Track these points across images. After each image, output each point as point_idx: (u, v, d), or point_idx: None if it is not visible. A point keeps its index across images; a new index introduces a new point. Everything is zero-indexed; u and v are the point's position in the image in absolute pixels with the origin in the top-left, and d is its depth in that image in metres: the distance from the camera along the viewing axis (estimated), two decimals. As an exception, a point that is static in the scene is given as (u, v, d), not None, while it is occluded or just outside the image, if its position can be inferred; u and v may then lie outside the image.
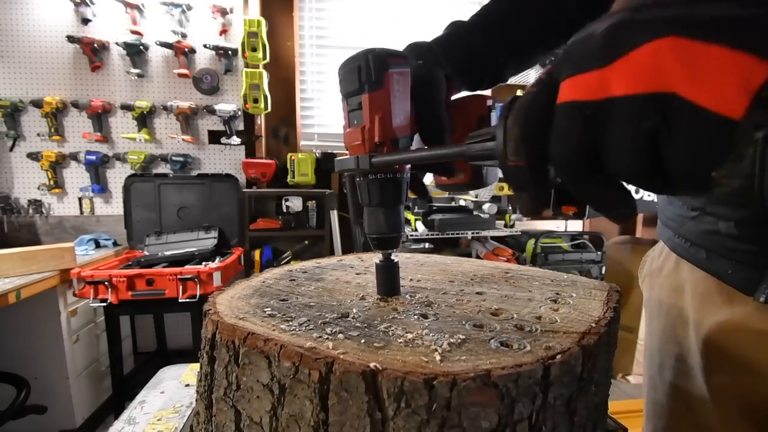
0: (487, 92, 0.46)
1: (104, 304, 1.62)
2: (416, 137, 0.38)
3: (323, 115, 2.48)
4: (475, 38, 0.43)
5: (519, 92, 2.36)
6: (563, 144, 0.20)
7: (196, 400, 0.37)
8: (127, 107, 2.20)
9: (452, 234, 2.06)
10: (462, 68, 0.43)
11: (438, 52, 0.42)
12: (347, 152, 0.37)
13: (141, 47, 2.16)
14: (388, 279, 0.39)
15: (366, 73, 0.34)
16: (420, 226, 2.10)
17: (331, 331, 0.30)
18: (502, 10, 0.45)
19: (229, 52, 2.22)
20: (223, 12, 2.20)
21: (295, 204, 2.33)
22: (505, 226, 2.16)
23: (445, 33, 0.44)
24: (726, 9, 0.15)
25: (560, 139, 0.20)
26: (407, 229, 2.08)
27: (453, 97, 0.44)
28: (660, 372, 0.45)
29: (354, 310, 0.35)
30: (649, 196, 1.92)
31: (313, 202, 2.35)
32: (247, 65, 2.22)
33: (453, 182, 0.43)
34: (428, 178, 0.48)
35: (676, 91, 0.16)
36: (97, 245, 2.16)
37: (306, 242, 2.40)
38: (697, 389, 0.40)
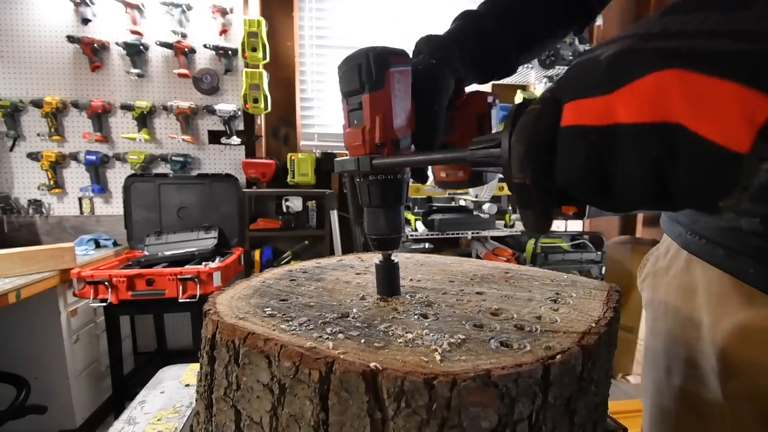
0: (488, 88, 0.46)
1: (104, 304, 1.62)
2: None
3: (323, 115, 2.48)
4: (486, 25, 0.43)
5: (519, 93, 2.36)
6: (570, 167, 0.20)
7: (196, 400, 0.37)
8: (127, 107, 2.20)
9: (452, 234, 2.06)
10: (474, 60, 0.42)
11: (452, 46, 0.41)
12: (347, 152, 0.37)
13: (141, 47, 2.16)
14: (388, 279, 0.39)
15: (367, 73, 0.33)
16: (420, 226, 2.10)
17: (331, 331, 0.30)
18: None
19: (229, 52, 2.22)
20: (223, 12, 2.20)
21: (295, 204, 2.33)
22: (505, 226, 2.16)
23: (456, 24, 0.44)
24: (730, 44, 0.16)
25: (566, 162, 0.21)
26: (407, 229, 2.08)
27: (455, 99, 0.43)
28: (667, 376, 0.43)
29: (354, 310, 0.35)
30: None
31: (313, 202, 2.35)
32: (247, 65, 2.22)
33: (452, 180, 0.43)
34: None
35: (682, 122, 0.16)
36: (97, 245, 2.16)
37: (306, 242, 2.40)
38: (710, 394, 0.38)
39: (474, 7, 0.45)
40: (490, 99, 0.43)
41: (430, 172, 0.48)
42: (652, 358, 0.47)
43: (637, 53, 0.18)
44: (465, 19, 0.44)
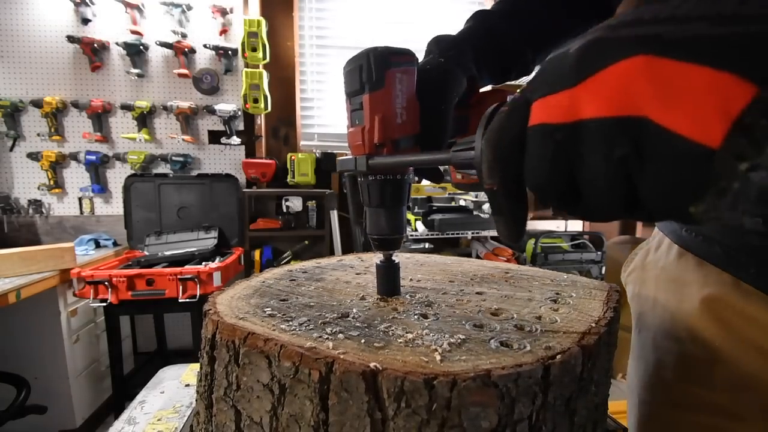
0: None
1: (104, 304, 1.62)
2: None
3: (323, 115, 2.48)
4: (500, 27, 0.42)
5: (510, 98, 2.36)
6: (536, 169, 0.19)
7: (196, 400, 0.37)
8: (127, 107, 2.20)
9: (452, 234, 2.06)
10: (487, 60, 0.42)
11: (464, 46, 0.41)
12: (349, 152, 0.37)
13: (141, 47, 2.16)
14: (389, 279, 0.39)
15: (367, 73, 0.33)
16: (420, 226, 2.10)
17: (331, 331, 0.30)
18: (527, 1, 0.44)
19: (229, 52, 2.22)
20: (223, 12, 2.21)
21: (295, 204, 2.33)
22: (505, 226, 2.16)
23: (468, 25, 0.43)
24: (705, 28, 0.14)
25: (533, 165, 0.19)
26: (407, 229, 2.08)
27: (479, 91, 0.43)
28: (657, 371, 0.43)
29: (354, 310, 0.35)
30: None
31: (313, 202, 2.35)
32: (247, 65, 2.22)
33: (468, 182, 0.43)
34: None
35: (648, 114, 0.15)
36: (97, 245, 2.16)
37: (306, 242, 2.40)
38: (704, 388, 0.37)
39: (477, 7, 0.45)
40: (509, 98, 0.42)
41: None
42: (639, 354, 0.46)
43: (604, 42, 0.17)
44: (476, 18, 0.43)
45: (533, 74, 0.21)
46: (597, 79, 0.16)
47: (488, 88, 0.44)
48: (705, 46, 0.14)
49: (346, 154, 0.37)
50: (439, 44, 0.40)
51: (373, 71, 0.33)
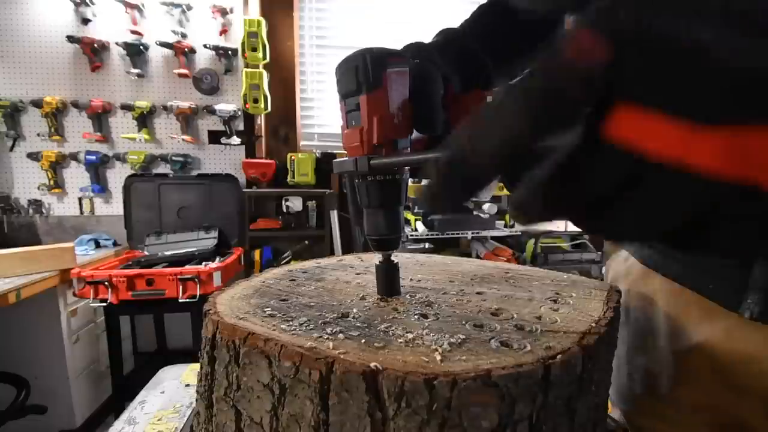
0: None
1: (104, 304, 1.62)
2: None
3: (323, 115, 2.48)
4: (467, 41, 0.44)
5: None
6: (656, 217, 0.17)
7: (197, 400, 0.37)
8: (127, 107, 2.20)
9: (452, 234, 2.06)
10: (455, 68, 0.43)
11: (432, 50, 0.42)
12: (346, 153, 0.37)
13: (141, 47, 2.16)
14: (389, 280, 0.39)
15: (364, 74, 0.33)
16: (420, 226, 2.10)
17: (332, 331, 0.30)
18: (487, 23, 0.47)
19: (229, 52, 2.22)
20: (223, 12, 2.21)
21: (295, 204, 2.33)
22: (505, 226, 2.16)
23: (436, 38, 0.45)
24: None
25: (592, 181, 0.17)
26: (407, 229, 2.08)
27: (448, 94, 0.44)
28: (630, 384, 0.44)
29: (354, 310, 0.35)
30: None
31: (313, 202, 2.35)
32: (247, 65, 2.23)
33: None
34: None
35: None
36: (97, 245, 2.16)
37: (306, 242, 2.40)
38: (666, 402, 0.39)
39: (472, 7, 0.46)
40: (489, 98, 0.43)
41: None
42: (616, 366, 0.47)
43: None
44: (441, 34, 0.46)
45: (616, 30, 0.14)
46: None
47: None
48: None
49: (345, 155, 0.37)
50: (411, 48, 0.42)
51: (370, 72, 0.33)
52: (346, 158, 0.36)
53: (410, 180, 0.40)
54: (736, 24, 0.12)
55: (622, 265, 0.47)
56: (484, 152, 0.15)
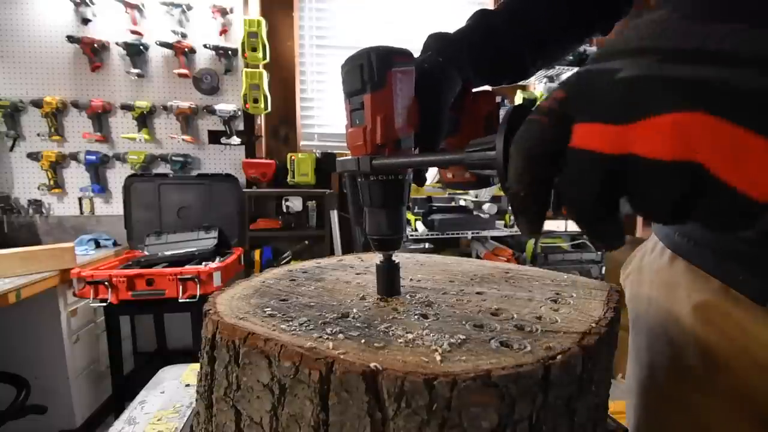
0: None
1: (104, 304, 1.62)
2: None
3: (323, 115, 2.48)
4: (498, 25, 0.42)
5: (519, 93, 2.36)
6: (580, 190, 0.20)
7: (196, 400, 0.37)
8: (127, 107, 2.20)
9: (452, 234, 2.06)
10: (484, 62, 0.41)
11: (462, 46, 0.40)
12: (349, 152, 0.37)
13: (141, 47, 2.16)
14: (389, 280, 0.39)
15: (368, 73, 0.33)
16: (420, 226, 2.10)
17: (332, 331, 0.30)
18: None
19: (229, 52, 2.22)
20: (223, 12, 2.21)
21: (295, 204, 2.33)
22: (505, 226, 2.16)
23: (469, 23, 0.43)
24: (756, 77, 0.14)
25: (577, 184, 0.20)
26: (407, 229, 2.08)
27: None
28: (651, 373, 0.42)
29: (354, 310, 0.35)
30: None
31: (313, 202, 2.35)
32: (247, 65, 2.22)
33: (459, 181, 0.43)
34: (432, 176, 0.48)
35: (704, 164, 0.16)
36: (97, 245, 2.16)
37: (306, 242, 2.40)
38: (696, 391, 0.37)
39: (477, 6, 0.45)
40: (498, 99, 0.42)
41: (436, 173, 0.48)
42: (635, 356, 0.46)
43: (657, 83, 0.17)
44: (476, 18, 0.43)
45: (568, 83, 0.21)
46: (651, 123, 0.17)
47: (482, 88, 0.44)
48: (763, 112, 0.14)
49: (346, 155, 0.37)
50: (438, 42, 0.40)
51: (374, 71, 0.33)
52: (349, 157, 0.36)
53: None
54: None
55: (649, 256, 0.46)
56: (516, 191, 0.22)
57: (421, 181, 0.40)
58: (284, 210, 2.34)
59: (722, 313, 0.35)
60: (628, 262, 0.52)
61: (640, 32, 0.19)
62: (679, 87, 0.16)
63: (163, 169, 2.28)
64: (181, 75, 2.20)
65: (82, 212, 2.27)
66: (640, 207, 0.19)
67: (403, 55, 0.34)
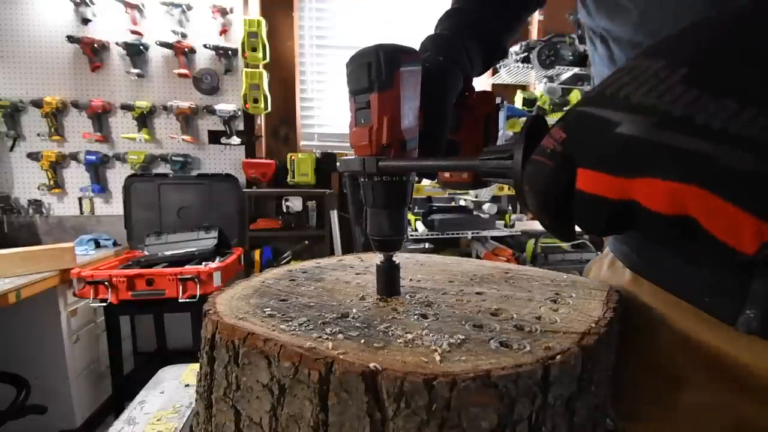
0: (489, 88, 0.47)
1: (104, 304, 1.62)
2: None
3: (323, 115, 2.48)
4: (474, 15, 0.45)
5: (519, 93, 2.36)
6: (592, 223, 0.22)
7: (196, 400, 0.37)
8: (127, 107, 2.20)
9: (452, 234, 2.06)
10: (474, 55, 0.43)
11: (456, 42, 0.41)
12: (351, 151, 0.37)
13: (141, 47, 2.16)
14: (389, 280, 0.39)
15: (376, 71, 0.32)
16: (420, 226, 2.10)
17: (331, 331, 0.30)
18: None
19: (229, 52, 2.22)
20: (223, 12, 2.21)
21: (295, 204, 2.33)
22: (505, 226, 2.16)
23: (447, 23, 0.45)
24: (752, 163, 0.16)
25: (589, 219, 0.22)
26: (407, 229, 2.08)
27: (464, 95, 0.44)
28: (616, 388, 0.42)
29: (354, 311, 0.35)
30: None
31: (313, 202, 2.35)
32: (247, 65, 2.23)
33: (456, 181, 0.43)
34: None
35: (699, 221, 0.18)
36: (97, 245, 2.16)
37: (306, 242, 2.40)
38: (665, 407, 0.37)
39: None
40: (497, 100, 0.43)
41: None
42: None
43: (656, 150, 0.18)
44: (452, 16, 0.45)
45: (568, 124, 0.22)
46: (649, 183, 0.18)
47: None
48: (751, 192, 0.16)
49: (347, 154, 0.37)
50: (436, 42, 0.41)
51: (382, 70, 0.32)
52: (353, 157, 0.35)
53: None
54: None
55: (606, 272, 0.47)
56: (540, 220, 0.25)
57: (432, 175, 0.42)
58: (284, 210, 2.34)
59: (692, 325, 0.35)
60: (587, 272, 0.52)
61: (639, 85, 0.19)
62: (674, 157, 0.17)
63: (163, 169, 2.28)
64: (181, 75, 2.20)
65: (82, 212, 2.27)
66: (647, 237, 0.21)
67: (411, 54, 0.34)
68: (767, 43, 0.17)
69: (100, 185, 2.23)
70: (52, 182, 2.20)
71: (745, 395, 0.33)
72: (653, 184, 0.18)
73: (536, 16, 2.47)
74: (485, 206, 2.10)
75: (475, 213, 2.16)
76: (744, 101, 0.16)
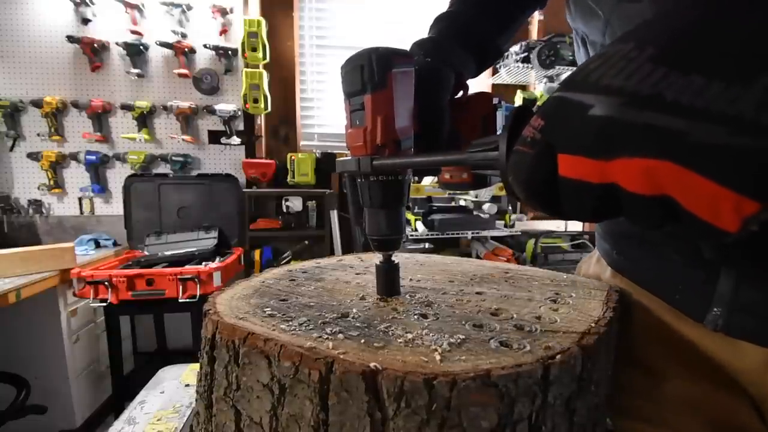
0: (488, 88, 0.47)
1: (104, 304, 1.62)
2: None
3: (323, 115, 2.48)
4: (466, 18, 0.45)
5: (519, 93, 2.36)
6: (578, 208, 0.22)
7: (196, 400, 0.37)
8: (127, 107, 2.20)
9: (452, 234, 2.06)
10: (466, 50, 0.43)
11: (443, 43, 0.42)
12: (348, 152, 0.37)
13: (141, 47, 2.16)
14: (389, 280, 0.39)
15: (369, 73, 0.33)
16: (420, 226, 2.10)
17: (331, 331, 0.30)
18: None
19: (229, 52, 2.22)
20: (223, 12, 2.20)
21: (295, 204, 2.33)
22: (505, 226, 2.16)
23: (438, 26, 0.45)
24: (726, 137, 0.15)
25: (574, 204, 0.22)
26: (407, 229, 2.08)
27: (459, 95, 0.44)
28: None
29: (354, 310, 0.35)
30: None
31: (313, 202, 2.35)
32: (247, 65, 2.22)
33: (456, 181, 0.43)
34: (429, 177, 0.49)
35: (676, 198, 0.17)
36: (97, 245, 2.15)
37: (306, 242, 2.40)
38: (653, 401, 0.38)
39: None
40: (495, 100, 0.43)
41: (431, 178, 0.49)
42: None
43: (627, 129, 0.18)
44: (443, 20, 0.45)
45: (546, 110, 0.22)
46: (625, 164, 0.18)
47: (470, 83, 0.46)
48: (727, 167, 0.16)
49: (346, 155, 0.37)
50: (422, 46, 0.42)
51: (375, 72, 0.33)
52: (349, 157, 0.36)
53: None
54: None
55: (594, 268, 0.49)
56: (531, 208, 0.25)
57: (436, 172, 0.42)
58: (284, 210, 2.34)
59: (668, 328, 0.37)
60: (577, 273, 0.54)
61: (609, 67, 0.19)
62: (645, 134, 0.17)
63: (163, 169, 2.28)
64: (181, 75, 2.20)
65: (82, 212, 2.27)
66: (632, 221, 0.21)
67: (404, 56, 0.35)
68: (732, 17, 0.16)
69: (100, 185, 2.23)
70: (52, 182, 2.20)
71: (721, 389, 0.34)
72: (629, 164, 0.18)
73: (536, 16, 2.46)
74: (485, 206, 2.10)
75: (475, 213, 2.16)
76: (711, 75, 0.16)
